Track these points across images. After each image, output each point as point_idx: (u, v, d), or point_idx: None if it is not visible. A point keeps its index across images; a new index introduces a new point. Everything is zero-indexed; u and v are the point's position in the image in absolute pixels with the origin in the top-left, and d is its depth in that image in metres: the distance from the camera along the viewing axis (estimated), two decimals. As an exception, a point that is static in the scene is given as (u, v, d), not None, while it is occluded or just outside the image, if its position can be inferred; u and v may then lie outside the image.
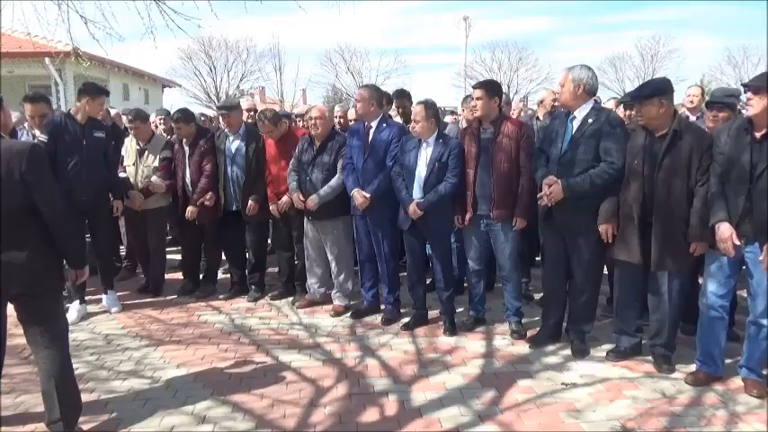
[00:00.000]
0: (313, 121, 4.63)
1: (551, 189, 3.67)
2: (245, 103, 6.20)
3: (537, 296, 4.95)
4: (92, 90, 4.80)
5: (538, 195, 3.80)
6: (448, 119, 6.66)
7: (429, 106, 4.20)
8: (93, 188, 4.75)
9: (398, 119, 5.53)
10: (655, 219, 3.46)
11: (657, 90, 3.47)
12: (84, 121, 4.78)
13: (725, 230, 3.19)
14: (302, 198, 4.64)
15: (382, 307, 4.72)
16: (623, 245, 3.60)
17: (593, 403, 3.26)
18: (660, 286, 3.58)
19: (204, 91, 35.58)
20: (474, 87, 4.21)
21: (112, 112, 6.62)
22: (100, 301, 5.13)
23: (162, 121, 6.50)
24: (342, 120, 5.88)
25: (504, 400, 3.31)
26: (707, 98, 5.37)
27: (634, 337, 3.82)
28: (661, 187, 3.43)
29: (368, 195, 4.35)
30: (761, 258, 3.12)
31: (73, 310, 4.85)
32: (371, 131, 4.46)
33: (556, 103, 5.07)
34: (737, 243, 3.18)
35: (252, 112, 6.08)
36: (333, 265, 4.83)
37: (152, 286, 5.48)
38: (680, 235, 3.44)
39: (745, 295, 3.42)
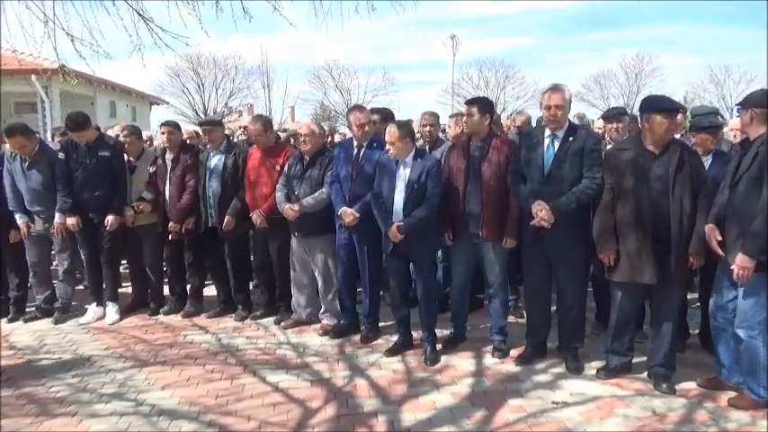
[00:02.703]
0: (303, 138, 4.62)
1: (542, 215, 3.65)
2: (242, 120, 6.17)
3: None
4: (72, 127, 4.98)
5: (531, 222, 3.73)
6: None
7: (402, 126, 4.12)
8: (97, 202, 5.02)
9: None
10: (673, 238, 3.45)
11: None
12: (91, 142, 5.03)
13: (707, 231, 3.36)
14: (293, 208, 4.58)
15: (361, 327, 4.65)
16: (625, 267, 3.56)
17: (584, 422, 3.23)
18: (669, 306, 3.59)
19: (192, 108, 35.54)
20: (467, 103, 4.20)
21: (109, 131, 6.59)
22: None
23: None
24: (329, 138, 5.88)
25: (495, 420, 3.27)
26: (689, 116, 5.46)
27: (625, 356, 3.81)
28: (675, 207, 3.44)
29: (357, 215, 4.31)
30: (732, 267, 3.20)
31: (90, 311, 5.22)
32: (362, 151, 4.43)
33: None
34: (719, 238, 3.30)
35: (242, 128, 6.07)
36: (320, 283, 4.78)
37: (153, 304, 5.42)
38: (686, 251, 3.50)
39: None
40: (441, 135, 5.55)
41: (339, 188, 4.44)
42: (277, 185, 4.77)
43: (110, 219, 5.04)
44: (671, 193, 3.44)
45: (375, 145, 4.44)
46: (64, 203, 4.96)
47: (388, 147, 4.08)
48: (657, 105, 3.52)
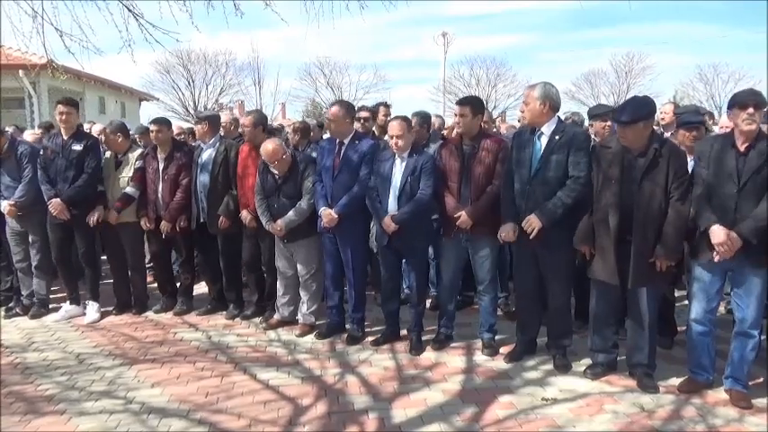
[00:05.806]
0: (275, 165, 4.48)
1: (530, 224, 3.67)
2: (224, 116, 6.08)
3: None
4: (59, 103, 5.07)
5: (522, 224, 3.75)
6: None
7: (408, 120, 4.22)
8: (68, 196, 4.94)
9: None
10: (635, 234, 3.46)
11: (642, 116, 3.41)
12: (68, 134, 5.01)
13: (720, 232, 3.23)
14: (276, 227, 4.53)
15: (347, 326, 4.61)
16: (601, 264, 3.58)
17: (573, 419, 3.25)
18: (639, 303, 3.59)
19: (182, 105, 35.30)
20: (459, 103, 4.17)
21: (88, 125, 6.53)
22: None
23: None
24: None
25: (485, 417, 3.29)
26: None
27: (611, 354, 3.82)
28: (642, 203, 3.44)
29: (336, 216, 4.27)
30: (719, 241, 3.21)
31: (62, 309, 5.21)
32: (344, 148, 4.38)
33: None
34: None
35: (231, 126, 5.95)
36: (302, 283, 4.70)
37: (136, 303, 5.34)
38: (651, 251, 3.48)
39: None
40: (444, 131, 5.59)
41: (321, 187, 4.41)
42: (256, 199, 4.65)
43: (54, 201, 4.89)
44: (637, 191, 3.44)
45: (356, 142, 4.40)
46: (48, 191, 4.92)
47: (395, 141, 4.08)
48: (619, 116, 3.48)
